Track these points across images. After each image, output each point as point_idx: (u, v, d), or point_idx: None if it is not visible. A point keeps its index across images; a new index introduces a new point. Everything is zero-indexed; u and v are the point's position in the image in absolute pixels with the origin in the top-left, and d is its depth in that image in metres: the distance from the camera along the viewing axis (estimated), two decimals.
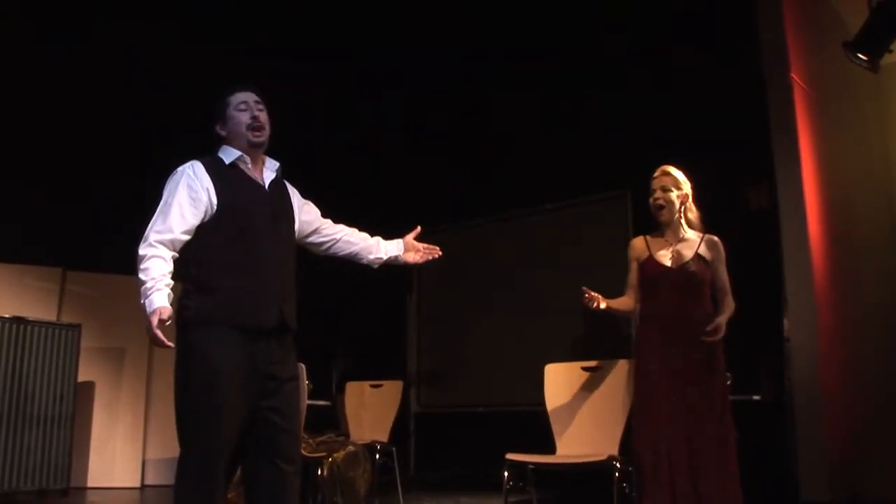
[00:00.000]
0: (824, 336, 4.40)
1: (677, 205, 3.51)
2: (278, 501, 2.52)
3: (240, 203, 2.59)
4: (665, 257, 3.49)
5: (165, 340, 2.38)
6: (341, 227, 2.98)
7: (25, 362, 5.26)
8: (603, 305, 3.48)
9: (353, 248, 2.96)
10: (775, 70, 4.64)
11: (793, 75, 4.63)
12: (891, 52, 4.22)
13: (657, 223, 3.58)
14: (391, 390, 5.24)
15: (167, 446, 6.26)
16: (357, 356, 7.19)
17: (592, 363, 4.08)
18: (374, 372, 5.86)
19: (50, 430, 5.32)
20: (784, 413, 4.38)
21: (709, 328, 3.29)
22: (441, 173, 6.56)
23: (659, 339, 3.42)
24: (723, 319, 3.34)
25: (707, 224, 3.58)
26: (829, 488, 4.15)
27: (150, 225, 2.51)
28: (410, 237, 3.04)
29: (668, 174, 3.54)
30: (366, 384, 5.41)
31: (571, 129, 5.77)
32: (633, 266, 3.61)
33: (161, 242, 2.47)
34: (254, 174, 2.69)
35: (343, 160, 6.70)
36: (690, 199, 3.56)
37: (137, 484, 6.27)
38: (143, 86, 6.02)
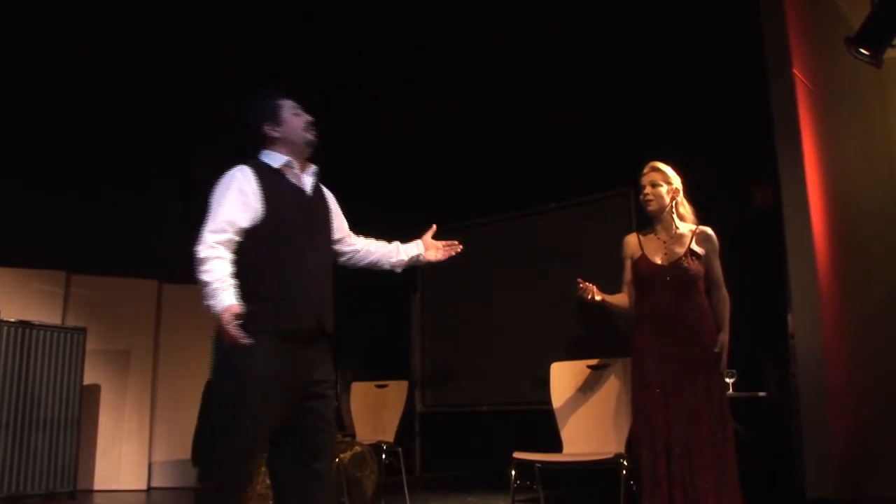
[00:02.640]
0: (829, 333, 4.39)
1: (667, 199, 3.48)
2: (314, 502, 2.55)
3: (284, 210, 2.61)
4: (657, 255, 3.47)
5: (241, 336, 2.37)
6: (361, 238, 2.98)
7: (31, 366, 5.28)
8: (598, 298, 3.48)
9: (373, 257, 2.96)
10: (777, 66, 4.63)
11: (795, 71, 4.62)
12: (893, 46, 4.22)
13: (649, 220, 3.57)
14: (396, 390, 5.24)
15: (173, 449, 6.29)
16: (362, 357, 7.19)
17: (598, 361, 4.08)
18: (379, 372, 5.87)
19: (56, 434, 5.35)
20: (789, 410, 4.37)
21: (715, 353, 3.34)
22: (444, 173, 6.56)
23: (654, 336, 3.41)
24: (724, 338, 3.37)
25: (708, 221, 3.55)
26: (834, 485, 4.14)
27: (205, 227, 2.52)
28: (428, 236, 3.04)
29: (656, 169, 3.52)
30: (371, 385, 5.41)
31: (574, 127, 5.75)
32: (628, 264, 3.60)
33: (220, 243, 2.48)
34: (297, 180, 2.71)
35: (344, 159, 6.68)
36: (681, 193, 3.53)
37: (143, 486, 6.28)
38: (148, 90, 6.02)
